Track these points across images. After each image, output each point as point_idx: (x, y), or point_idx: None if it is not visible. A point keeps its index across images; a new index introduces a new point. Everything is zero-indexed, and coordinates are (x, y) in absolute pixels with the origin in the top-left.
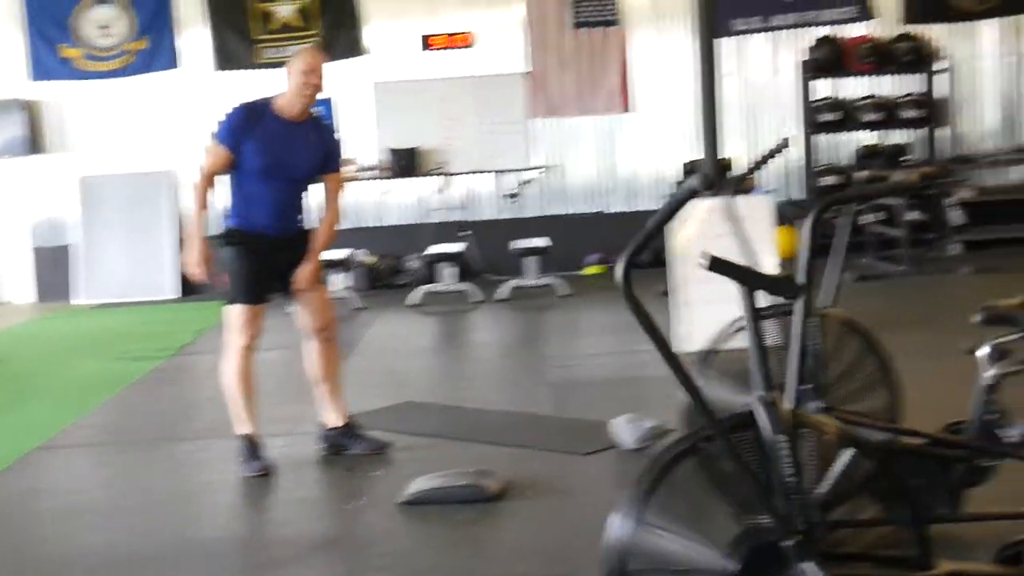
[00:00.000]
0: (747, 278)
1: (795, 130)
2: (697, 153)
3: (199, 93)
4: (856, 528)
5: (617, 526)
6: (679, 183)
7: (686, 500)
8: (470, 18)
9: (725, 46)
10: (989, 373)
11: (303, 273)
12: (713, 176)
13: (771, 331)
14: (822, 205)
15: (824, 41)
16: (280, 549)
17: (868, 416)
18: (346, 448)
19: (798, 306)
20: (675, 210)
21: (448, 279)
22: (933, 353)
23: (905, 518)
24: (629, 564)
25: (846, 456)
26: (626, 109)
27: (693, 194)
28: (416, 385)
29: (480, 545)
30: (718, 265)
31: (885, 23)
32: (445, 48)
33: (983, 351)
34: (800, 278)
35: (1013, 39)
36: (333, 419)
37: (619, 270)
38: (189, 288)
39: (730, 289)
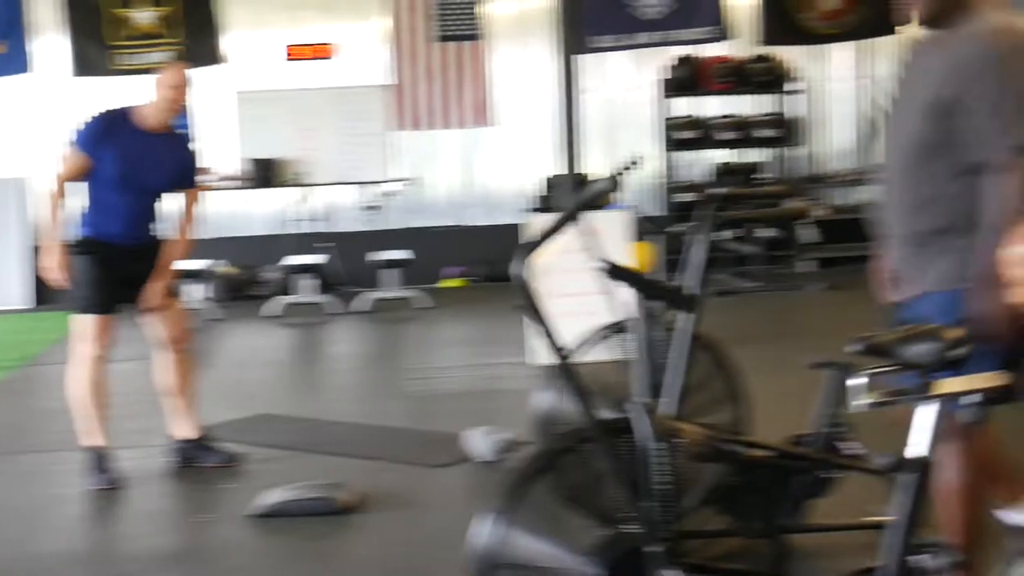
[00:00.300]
0: (644, 287)
1: (654, 147)
2: (557, 168)
3: (54, 99)
4: (710, 538)
5: (481, 534)
6: (541, 197)
7: (551, 507)
8: (333, 29)
9: (587, 62)
10: (861, 402)
11: (152, 290)
12: (619, 180)
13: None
14: (705, 213)
15: (683, 60)
16: (127, 564)
17: (717, 429)
18: (197, 460)
19: (687, 317)
20: (579, 210)
21: (307, 291)
22: (781, 368)
23: (759, 529)
24: (493, 572)
25: (710, 467)
26: (488, 123)
27: (600, 195)
28: (270, 397)
29: (329, 558)
30: (617, 272)
31: (742, 44)
32: (307, 59)
33: (857, 380)
34: (694, 291)
35: (867, 62)
36: (185, 431)
37: (517, 268)
38: (43, 297)
39: (583, 304)
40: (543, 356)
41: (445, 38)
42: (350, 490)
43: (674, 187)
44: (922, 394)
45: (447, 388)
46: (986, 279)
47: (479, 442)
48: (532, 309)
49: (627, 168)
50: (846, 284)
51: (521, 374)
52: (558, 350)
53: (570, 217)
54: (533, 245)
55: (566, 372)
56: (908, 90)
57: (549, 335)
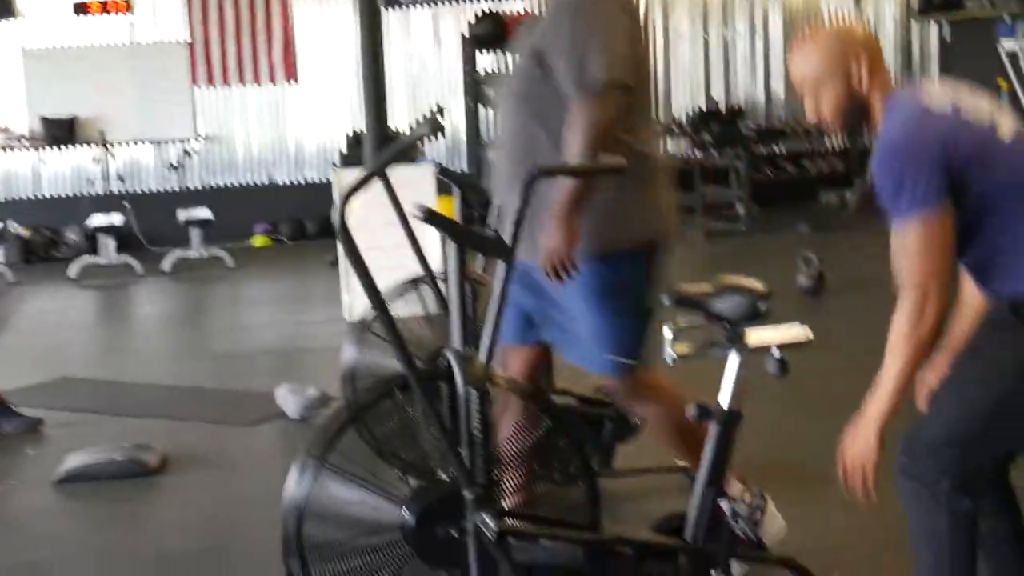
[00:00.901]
0: (459, 235)
1: (459, 103)
2: (363, 124)
3: None
4: (525, 484)
5: (294, 486)
6: (342, 154)
7: (363, 457)
8: None
9: (391, 19)
10: (670, 353)
11: None
12: (440, 123)
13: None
14: (531, 175)
15: (486, 16)
16: None
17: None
18: None
19: (503, 267)
20: (397, 153)
21: (109, 252)
22: None
23: (570, 475)
24: (305, 525)
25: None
26: (292, 79)
27: (417, 138)
28: (73, 361)
29: (136, 520)
30: (432, 218)
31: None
32: (101, 14)
33: (666, 332)
34: (508, 240)
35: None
36: None
37: (337, 212)
38: None
39: (393, 259)
40: (353, 312)
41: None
42: (157, 452)
43: (483, 143)
44: (730, 345)
45: (256, 346)
46: (562, 217)
47: (289, 399)
48: (354, 257)
49: (434, 115)
50: None
51: (331, 331)
52: (377, 298)
53: (388, 162)
54: (352, 192)
55: (385, 319)
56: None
57: (370, 283)
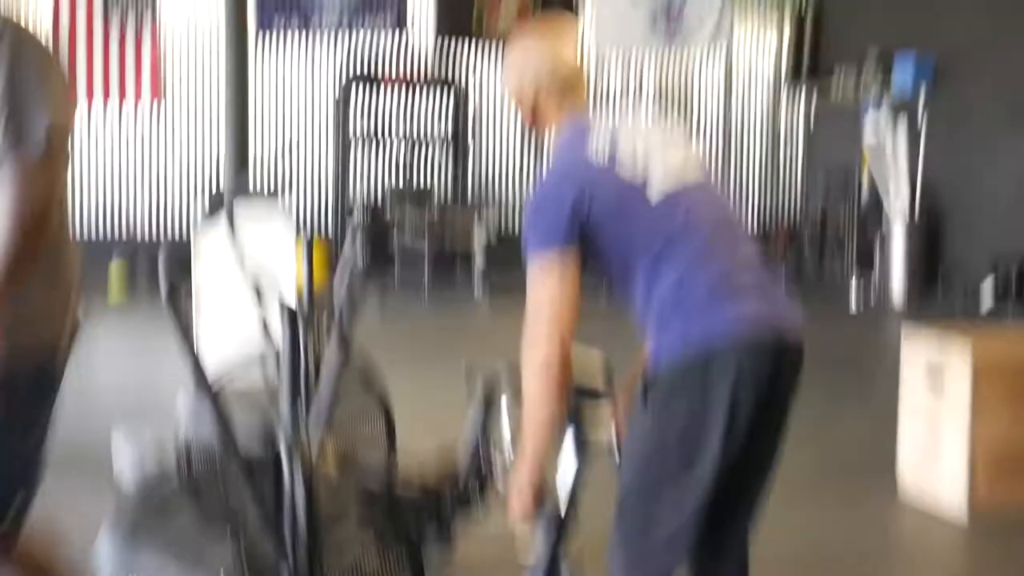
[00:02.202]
0: (291, 309)
1: (330, 142)
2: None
3: None
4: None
5: (104, 558)
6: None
7: (181, 533)
8: None
9: (262, 48)
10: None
11: None
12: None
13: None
14: (359, 232)
15: (361, 54)
16: None
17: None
18: None
19: (339, 348)
20: (223, 201)
21: None
22: (444, 386)
23: (407, 552)
24: None
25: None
26: (157, 99)
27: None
28: None
29: None
30: (258, 284)
31: (421, 44)
32: None
33: None
34: (348, 322)
35: None
36: None
37: (162, 284)
38: None
39: (232, 326)
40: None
41: (115, 11)
42: None
43: (350, 183)
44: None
45: (109, 406)
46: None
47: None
48: (182, 334)
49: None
50: (512, 309)
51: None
52: (201, 376)
53: (213, 210)
54: (176, 262)
55: (210, 399)
56: None
57: (196, 364)
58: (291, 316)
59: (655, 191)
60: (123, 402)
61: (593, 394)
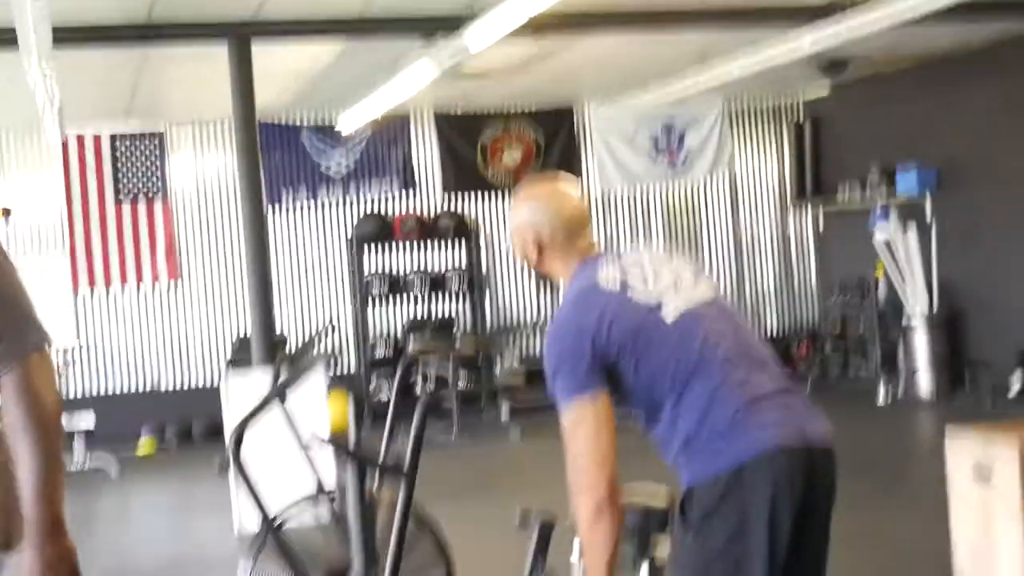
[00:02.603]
0: (360, 459)
1: (346, 301)
2: (249, 325)
3: None
4: None
5: None
6: (229, 360)
7: None
8: (5, 190)
9: (275, 219)
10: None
11: None
12: (335, 356)
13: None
14: (424, 406)
15: (371, 216)
16: None
17: None
18: None
19: (404, 491)
20: (295, 382)
21: None
22: (486, 522)
23: None
24: None
25: None
26: (174, 279)
27: (304, 372)
28: None
29: None
30: (336, 445)
31: (430, 199)
32: None
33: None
34: (408, 464)
35: None
36: None
37: (231, 440)
38: None
39: (284, 470)
40: (243, 523)
41: (126, 196)
42: None
43: (371, 343)
44: (640, 559)
45: (146, 563)
46: None
47: None
48: (243, 477)
49: (321, 335)
50: (540, 429)
51: (222, 542)
52: (267, 518)
53: (279, 394)
54: (247, 421)
55: (277, 541)
56: None
57: (259, 503)
58: (359, 466)
59: (670, 311)
60: (159, 552)
61: (660, 515)
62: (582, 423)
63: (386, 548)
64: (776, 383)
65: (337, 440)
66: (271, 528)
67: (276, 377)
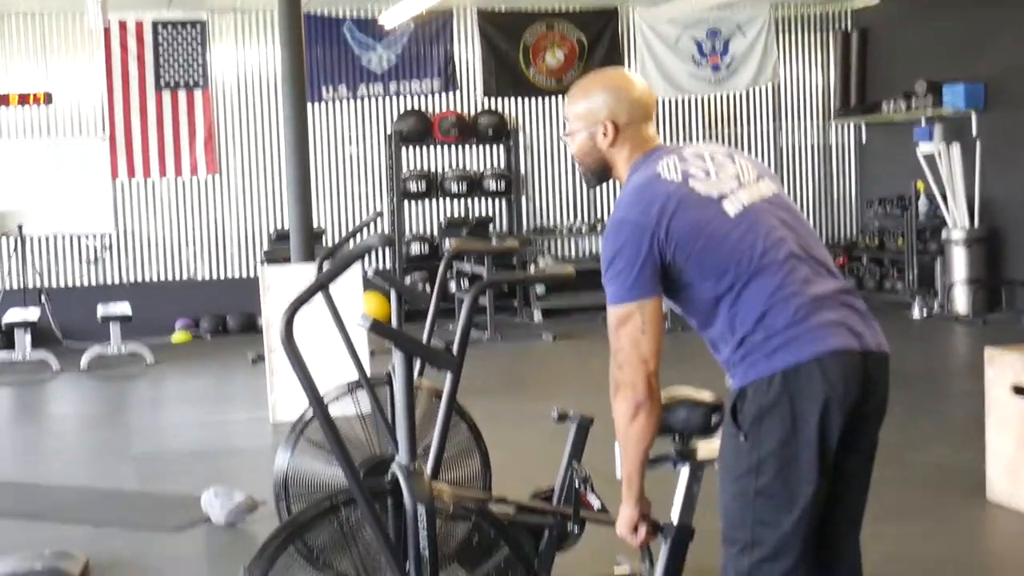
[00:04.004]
0: (408, 344)
1: (384, 199)
2: (285, 220)
3: None
4: None
5: None
6: (266, 252)
7: (309, 568)
8: (47, 75)
9: (315, 113)
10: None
11: None
12: (392, 236)
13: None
14: (480, 287)
15: (410, 113)
16: None
17: (467, 488)
18: None
19: (451, 378)
20: (348, 265)
21: (24, 348)
22: (520, 420)
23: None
24: None
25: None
26: (214, 172)
27: (368, 250)
28: None
29: None
30: (378, 328)
31: (470, 99)
32: (20, 105)
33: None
34: (456, 351)
35: None
36: None
37: (283, 319)
38: None
39: (319, 360)
40: (277, 413)
41: (166, 86)
42: (79, 560)
43: (406, 240)
44: (681, 459)
45: (178, 447)
46: None
47: (215, 504)
48: (301, 369)
49: (369, 223)
50: (572, 333)
51: (256, 432)
52: (318, 398)
53: (337, 274)
54: (299, 304)
55: (331, 433)
56: None
57: (309, 383)
58: (407, 356)
59: (733, 204)
60: (193, 439)
61: (704, 416)
62: (628, 321)
63: (424, 437)
64: (837, 285)
65: (381, 325)
66: (322, 408)
67: (321, 265)
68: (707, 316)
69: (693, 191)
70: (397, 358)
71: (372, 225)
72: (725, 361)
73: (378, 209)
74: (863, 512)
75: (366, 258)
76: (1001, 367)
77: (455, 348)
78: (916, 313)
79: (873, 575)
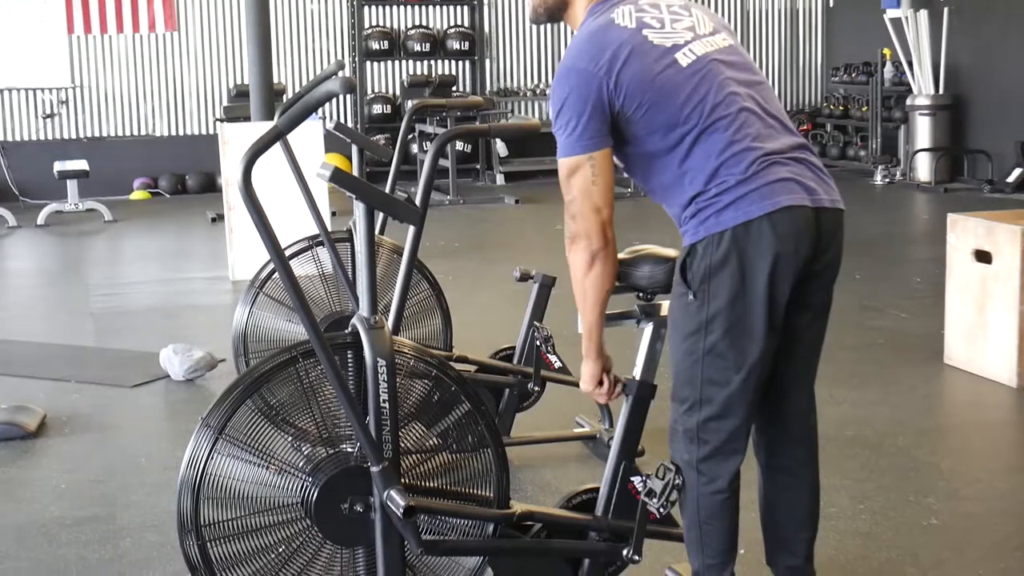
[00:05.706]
0: (370, 196)
1: (346, 58)
2: (244, 77)
3: None
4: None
5: (189, 459)
6: (225, 108)
7: (262, 428)
8: None
9: None
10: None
11: None
12: (354, 82)
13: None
14: (445, 136)
15: None
16: None
17: (428, 345)
18: None
19: (414, 230)
20: (309, 112)
21: None
22: (480, 280)
23: (479, 444)
24: (201, 495)
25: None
26: (172, 30)
27: (329, 97)
28: None
29: (14, 487)
30: (340, 177)
31: None
32: None
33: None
34: (419, 203)
35: None
36: None
37: (241, 166)
38: None
39: (278, 217)
40: (236, 271)
41: None
42: (36, 413)
43: (368, 99)
44: (644, 316)
45: (137, 304)
46: None
47: (174, 360)
48: (261, 219)
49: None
50: (533, 197)
51: (215, 289)
52: (284, 265)
53: (297, 121)
54: (258, 152)
55: (292, 287)
56: None
57: (277, 249)
58: (369, 208)
59: (687, 55)
60: (152, 294)
61: (666, 273)
62: (577, 172)
63: (385, 295)
64: (791, 140)
65: (342, 175)
66: (280, 256)
67: (284, 111)
68: (656, 173)
69: (647, 40)
70: (359, 210)
71: (334, 77)
72: (676, 218)
73: (339, 60)
74: (816, 369)
75: (326, 112)
76: (963, 233)
77: (418, 200)
78: (878, 180)
79: (829, 438)
